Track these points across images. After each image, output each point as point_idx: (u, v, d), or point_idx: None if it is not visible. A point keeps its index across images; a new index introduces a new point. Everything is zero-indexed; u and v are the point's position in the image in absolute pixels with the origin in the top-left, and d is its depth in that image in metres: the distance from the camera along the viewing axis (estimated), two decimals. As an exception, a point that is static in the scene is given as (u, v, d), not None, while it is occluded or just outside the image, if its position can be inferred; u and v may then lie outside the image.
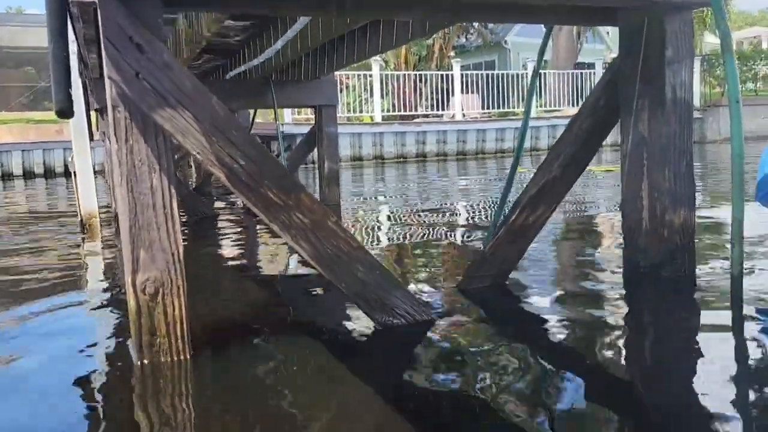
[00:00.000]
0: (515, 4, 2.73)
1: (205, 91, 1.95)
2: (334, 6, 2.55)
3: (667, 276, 2.80)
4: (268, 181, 2.00)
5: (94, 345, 2.42)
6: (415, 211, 6.20)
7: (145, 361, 2.03)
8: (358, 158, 15.42)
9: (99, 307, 2.96)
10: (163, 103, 1.90)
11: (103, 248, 4.57)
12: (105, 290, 3.31)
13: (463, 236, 4.60)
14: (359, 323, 2.38)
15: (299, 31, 4.68)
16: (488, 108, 18.56)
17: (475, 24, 28.69)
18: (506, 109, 18.68)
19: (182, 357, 2.04)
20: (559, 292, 2.94)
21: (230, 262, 3.97)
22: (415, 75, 18.70)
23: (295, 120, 15.17)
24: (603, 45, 26.45)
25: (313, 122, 6.78)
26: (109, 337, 2.51)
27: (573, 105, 19.40)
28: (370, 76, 16.66)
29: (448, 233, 4.71)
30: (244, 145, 1.96)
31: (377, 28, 4.91)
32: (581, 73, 20.08)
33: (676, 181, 2.74)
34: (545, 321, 2.49)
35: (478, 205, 6.62)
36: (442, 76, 18.48)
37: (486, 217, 5.49)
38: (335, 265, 2.13)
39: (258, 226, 5.46)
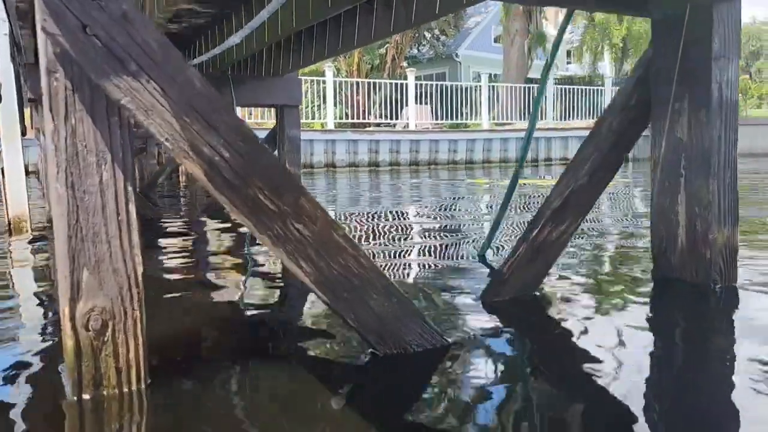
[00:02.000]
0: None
1: (179, 56, 1.45)
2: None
3: (706, 294, 2.44)
4: (259, 180, 1.50)
5: (18, 375, 1.83)
6: (388, 218, 5.74)
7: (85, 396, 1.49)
8: (309, 165, 14.90)
9: (25, 330, 2.36)
10: (119, 69, 1.38)
11: (34, 255, 3.91)
12: (34, 309, 2.70)
13: (458, 244, 4.16)
14: (346, 347, 1.92)
15: (263, 21, 4.19)
16: (440, 119, 18.44)
17: (428, 35, 28.69)
18: (457, 121, 18.62)
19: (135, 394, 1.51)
20: (585, 311, 2.53)
21: (183, 277, 3.39)
22: (369, 83, 18.34)
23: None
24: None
25: (266, 125, 6.23)
26: (37, 368, 1.93)
27: (523, 119, 19.52)
28: (324, 82, 16.21)
29: (441, 243, 4.26)
30: (228, 131, 1.46)
31: (337, 27, 4.48)
32: (532, 88, 20.23)
33: (720, 193, 2.38)
34: (572, 347, 2.06)
35: (457, 211, 6.23)
36: (395, 85, 18.21)
37: (474, 224, 5.08)
38: (343, 291, 1.64)
39: (216, 233, 4.88)
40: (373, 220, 5.72)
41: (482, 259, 3.33)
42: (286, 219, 1.55)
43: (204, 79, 1.47)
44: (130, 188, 1.47)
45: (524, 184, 9.87)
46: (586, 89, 21.00)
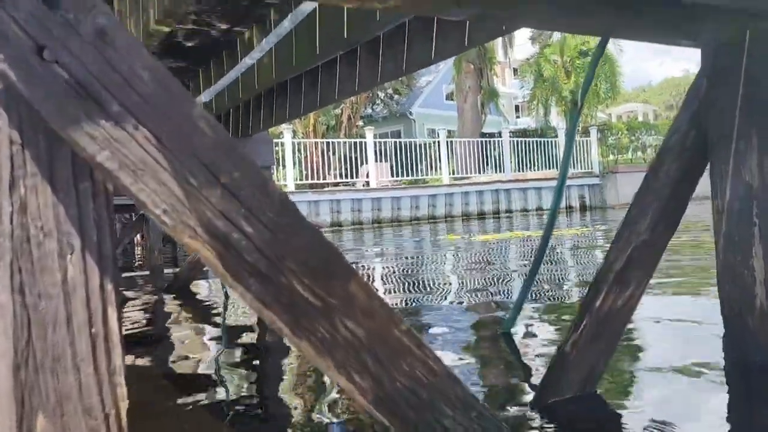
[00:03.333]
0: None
1: (181, 90, 1.00)
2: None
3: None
4: (296, 263, 1.05)
5: None
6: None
7: None
8: (272, 229, 14.38)
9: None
10: (94, 111, 0.92)
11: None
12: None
13: (482, 315, 3.69)
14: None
15: (237, 78, 3.79)
16: (399, 176, 18.32)
17: (381, 95, 28.98)
18: (416, 177, 18.55)
19: None
20: (653, 401, 2.10)
21: (163, 381, 2.79)
22: (327, 143, 18.12)
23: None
24: (501, 117, 27.46)
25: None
26: None
27: (481, 172, 19.58)
28: (282, 144, 15.90)
29: (456, 315, 3.79)
30: (253, 196, 1.01)
31: (314, 82, 4.13)
32: (488, 141, 20.44)
33: (806, 244, 2.03)
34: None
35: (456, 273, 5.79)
36: (354, 144, 18.06)
37: (496, 289, 4.64)
38: (408, 408, 1.18)
39: (198, 318, 4.31)
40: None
41: (507, 334, 2.88)
42: (333, 316, 1.09)
43: (216, 122, 1.02)
44: (110, 287, 0.99)
45: (509, 239, 9.61)
46: (540, 141, 21.30)
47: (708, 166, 2.24)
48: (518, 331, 2.95)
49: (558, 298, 4.07)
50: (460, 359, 2.60)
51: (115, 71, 0.94)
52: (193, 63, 3.87)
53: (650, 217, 2.08)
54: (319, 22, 2.82)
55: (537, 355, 2.59)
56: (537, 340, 2.90)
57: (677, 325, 3.09)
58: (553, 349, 2.43)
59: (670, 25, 2.21)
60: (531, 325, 3.15)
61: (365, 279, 1.21)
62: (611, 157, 23.87)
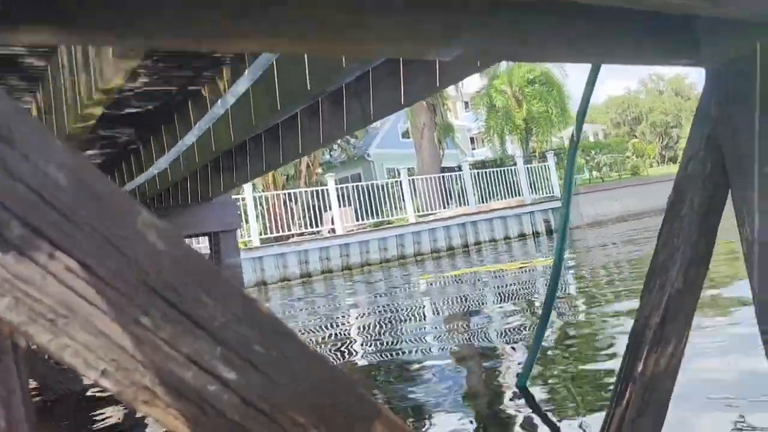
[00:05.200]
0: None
1: (117, 193, 0.70)
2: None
3: None
4: (299, 410, 0.75)
5: None
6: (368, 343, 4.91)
7: None
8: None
9: None
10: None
11: None
12: None
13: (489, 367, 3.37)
14: None
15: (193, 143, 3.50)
16: (363, 219, 18.12)
17: (339, 141, 28.94)
18: (381, 218, 18.37)
19: None
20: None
21: None
22: (288, 194, 17.82)
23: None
24: (457, 150, 27.67)
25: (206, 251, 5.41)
26: None
27: (445, 207, 19.52)
28: (243, 199, 15.54)
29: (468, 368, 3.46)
30: (231, 326, 0.71)
31: (275, 138, 3.86)
32: (449, 176, 20.46)
33: None
34: None
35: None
36: (316, 192, 17.80)
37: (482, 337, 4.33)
38: None
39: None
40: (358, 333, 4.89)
41: (524, 389, 2.58)
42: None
43: (173, 230, 0.72)
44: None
45: (475, 272, 9.36)
46: (500, 171, 21.43)
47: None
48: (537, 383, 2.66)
49: (569, 338, 3.80)
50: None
51: (15, 179, 0.64)
52: (145, 130, 3.56)
53: (680, 260, 1.84)
54: (278, 77, 2.56)
55: (567, 421, 2.29)
56: (559, 396, 2.60)
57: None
58: (581, 409, 2.14)
59: (670, 46, 2.01)
60: (550, 374, 2.88)
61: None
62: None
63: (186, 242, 0.74)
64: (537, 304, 5.41)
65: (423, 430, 2.38)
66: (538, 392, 2.61)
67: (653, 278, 1.84)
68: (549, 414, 2.37)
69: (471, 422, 2.32)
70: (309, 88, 2.43)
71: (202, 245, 6.59)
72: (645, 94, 62.36)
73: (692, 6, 1.68)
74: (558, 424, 2.23)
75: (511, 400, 2.55)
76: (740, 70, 1.93)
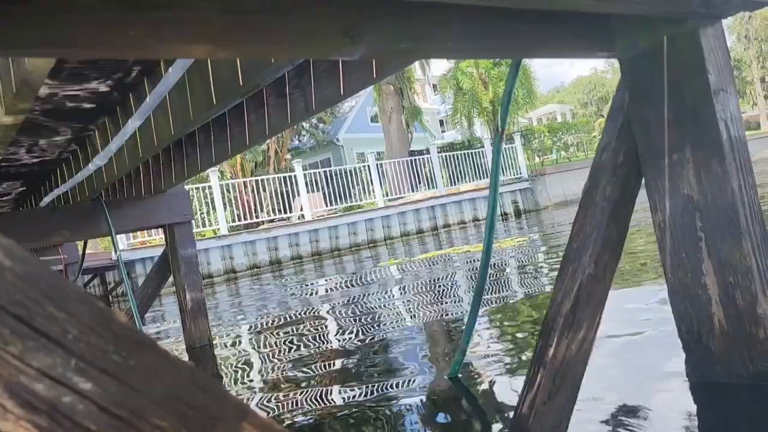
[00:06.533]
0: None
1: None
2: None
3: (764, 392, 1.92)
4: (160, 414, 0.79)
5: None
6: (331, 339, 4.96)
7: None
8: (208, 276, 13.88)
9: None
10: None
11: None
12: None
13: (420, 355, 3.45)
14: None
15: (135, 133, 3.49)
16: (333, 204, 18.12)
17: (306, 125, 28.76)
18: (351, 203, 18.39)
19: None
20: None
21: None
22: (257, 180, 17.72)
23: (131, 245, 13.31)
24: (426, 133, 27.68)
25: (153, 243, 5.39)
26: None
27: (414, 190, 19.60)
28: (209, 187, 15.43)
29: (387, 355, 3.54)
30: (85, 336, 0.74)
31: (223, 130, 3.86)
32: (417, 159, 20.49)
33: (756, 254, 1.90)
34: None
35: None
36: (284, 178, 17.73)
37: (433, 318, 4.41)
38: None
39: None
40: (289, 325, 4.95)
41: (455, 379, 2.65)
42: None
43: (18, 248, 0.76)
44: None
45: (438, 255, 9.47)
46: (468, 153, 21.54)
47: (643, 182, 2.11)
48: (470, 371, 2.74)
49: (508, 326, 3.90)
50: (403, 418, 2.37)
51: None
52: (85, 123, 3.54)
53: (592, 247, 1.92)
54: (212, 72, 2.58)
55: (495, 410, 2.37)
56: (490, 386, 2.68)
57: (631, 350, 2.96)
58: (511, 397, 2.23)
59: (586, 39, 2.08)
60: (483, 362, 2.96)
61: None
62: (537, 159, 24.45)
63: (34, 258, 0.77)
64: (493, 287, 5.51)
65: (349, 422, 2.45)
66: (468, 381, 2.69)
67: (566, 265, 1.93)
68: (477, 402, 2.45)
69: (397, 412, 2.38)
70: (241, 84, 2.45)
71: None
72: (611, 74, 62.97)
73: (600, 6, 1.75)
74: (486, 412, 2.31)
75: (440, 389, 2.63)
76: (650, 62, 2.01)
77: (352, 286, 8.29)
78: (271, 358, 4.31)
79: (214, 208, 15.72)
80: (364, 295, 6.93)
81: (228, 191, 16.97)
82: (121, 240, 12.67)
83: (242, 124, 3.73)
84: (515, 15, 1.80)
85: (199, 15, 1.49)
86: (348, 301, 6.66)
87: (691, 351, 2.07)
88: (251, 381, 3.71)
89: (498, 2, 1.36)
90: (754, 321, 1.89)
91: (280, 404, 2.98)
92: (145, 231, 14.11)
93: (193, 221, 5.23)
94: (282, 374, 3.71)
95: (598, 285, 1.92)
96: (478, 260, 7.85)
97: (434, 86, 35.30)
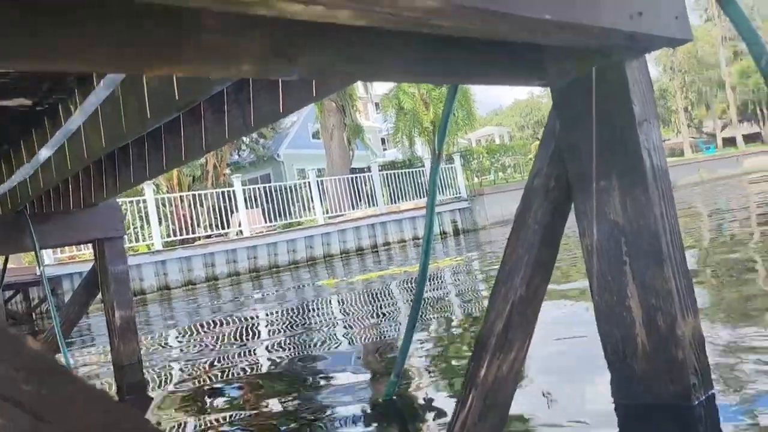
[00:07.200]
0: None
1: None
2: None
3: (684, 411, 2.00)
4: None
5: None
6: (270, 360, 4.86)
7: None
8: (140, 292, 13.46)
9: None
10: None
11: None
12: None
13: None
14: None
15: (57, 151, 3.36)
16: (272, 221, 17.92)
17: (246, 140, 28.42)
18: (291, 220, 18.24)
19: None
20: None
21: None
22: (194, 195, 17.34)
23: (58, 260, 12.76)
24: (368, 151, 27.84)
25: (82, 258, 5.18)
26: None
27: (355, 208, 19.62)
28: (144, 201, 14.99)
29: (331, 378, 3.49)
30: None
31: (157, 145, 3.78)
32: (358, 177, 20.55)
33: (676, 278, 2.00)
34: None
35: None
36: (222, 193, 17.42)
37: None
38: None
39: None
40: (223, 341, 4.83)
41: (389, 401, 2.64)
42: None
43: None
44: None
45: (375, 277, 9.48)
46: (408, 172, 21.76)
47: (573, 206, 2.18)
48: (405, 393, 2.74)
49: (444, 347, 3.93)
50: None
51: None
52: (9, 135, 3.39)
53: (524, 269, 1.97)
54: (147, 86, 2.52)
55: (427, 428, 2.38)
56: (424, 407, 2.68)
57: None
58: (445, 419, 2.25)
59: (520, 67, 2.15)
60: (420, 382, 2.97)
61: None
62: (476, 180, 24.93)
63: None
64: (431, 307, 5.55)
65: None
66: (403, 403, 2.68)
67: (499, 286, 1.97)
68: (412, 424, 2.45)
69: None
70: (177, 98, 2.41)
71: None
72: (547, 98, 65.17)
73: (533, 36, 1.80)
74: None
75: (374, 411, 2.61)
76: (580, 91, 2.09)
77: (289, 304, 8.18)
78: (201, 377, 4.20)
79: (148, 223, 15.29)
80: (299, 315, 6.85)
81: (164, 205, 16.54)
82: (48, 254, 12.14)
83: (178, 139, 3.65)
84: (453, 42, 1.84)
85: (131, 29, 1.46)
86: (283, 320, 6.57)
87: (616, 371, 2.14)
88: (180, 401, 3.60)
89: (436, 30, 1.39)
90: (674, 342, 1.98)
91: (206, 426, 2.90)
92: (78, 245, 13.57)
93: (125, 236, 5.06)
94: (211, 395, 3.61)
95: (530, 306, 1.97)
96: (415, 281, 7.91)
97: (377, 105, 35.60)
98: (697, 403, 1.98)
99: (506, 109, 76.39)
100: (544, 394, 2.40)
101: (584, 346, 2.98)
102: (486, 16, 1.23)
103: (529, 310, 1.96)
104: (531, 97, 71.46)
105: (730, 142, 50.62)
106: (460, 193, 21.38)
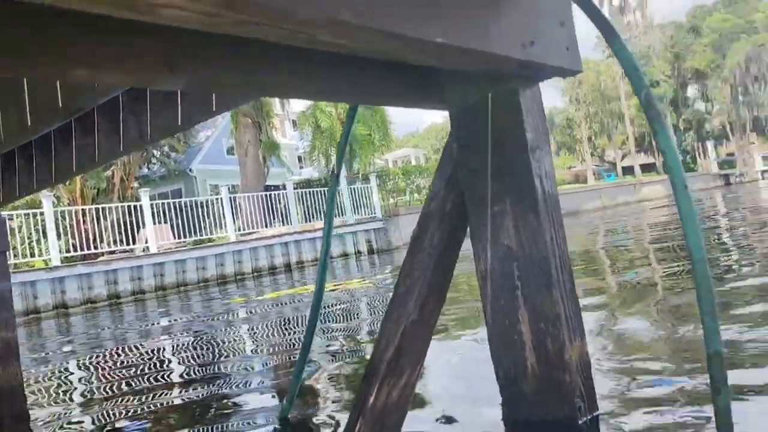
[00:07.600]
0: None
1: None
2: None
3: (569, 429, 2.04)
4: None
5: None
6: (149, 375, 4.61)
7: None
8: (34, 311, 12.61)
9: None
10: None
11: None
12: None
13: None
14: None
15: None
16: (182, 237, 17.32)
17: (157, 153, 27.45)
18: (201, 236, 17.71)
19: None
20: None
21: None
22: (97, 209, 16.50)
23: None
24: (284, 168, 27.58)
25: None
26: None
27: (268, 226, 19.32)
28: (41, 213, 14.11)
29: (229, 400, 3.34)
30: None
31: (46, 154, 3.56)
32: (273, 194, 20.28)
33: (565, 303, 2.04)
34: None
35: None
36: (128, 207, 16.67)
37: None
38: None
39: None
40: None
41: (285, 420, 2.56)
42: None
43: None
44: None
45: (279, 296, 9.32)
46: (324, 190, 21.69)
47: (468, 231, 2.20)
48: (300, 412, 2.66)
49: (344, 366, 3.87)
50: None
51: None
52: None
53: (417, 293, 1.95)
54: (28, 90, 2.35)
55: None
56: (318, 427, 2.61)
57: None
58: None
59: (419, 90, 2.16)
60: (315, 404, 2.89)
61: None
62: (391, 200, 25.18)
63: None
64: (332, 329, 5.48)
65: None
66: (298, 422, 2.60)
67: (392, 310, 1.94)
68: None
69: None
70: (60, 106, 2.26)
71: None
72: (463, 123, 66.94)
73: (429, 60, 1.81)
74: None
75: (269, 430, 2.52)
76: (476, 116, 2.11)
77: (192, 323, 7.88)
78: (92, 401, 3.93)
79: (45, 237, 14.37)
80: (202, 333, 6.60)
81: (64, 218, 15.63)
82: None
83: (69, 149, 3.44)
84: (348, 59, 1.82)
85: (8, 30, 1.35)
86: (185, 338, 6.30)
87: (507, 394, 2.16)
88: (65, 427, 3.35)
89: (324, 46, 1.36)
90: (562, 366, 2.01)
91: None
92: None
93: (9, 252, 4.70)
94: (100, 420, 3.38)
95: (422, 330, 1.95)
96: (326, 301, 7.82)
97: (294, 122, 35.38)
98: (581, 422, 2.03)
99: (423, 131, 78.03)
100: (437, 419, 2.38)
101: (481, 369, 3.01)
102: (363, 33, 1.21)
103: (422, 334, 1.95)
104: (446, 121, 73.09)
105: (629, 170, 53.82)
106: (375, 213, 21.49)
